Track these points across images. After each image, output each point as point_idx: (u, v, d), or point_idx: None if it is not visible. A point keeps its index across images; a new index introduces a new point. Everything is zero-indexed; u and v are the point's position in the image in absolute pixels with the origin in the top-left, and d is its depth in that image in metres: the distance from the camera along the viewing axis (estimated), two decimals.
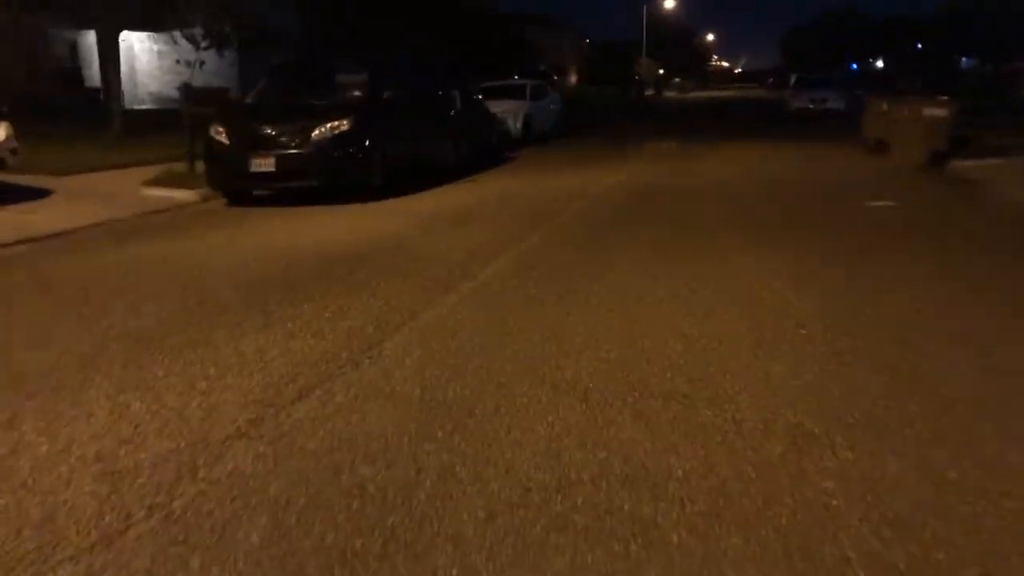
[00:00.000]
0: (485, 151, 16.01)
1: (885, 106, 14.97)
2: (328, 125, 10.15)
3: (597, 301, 5.25)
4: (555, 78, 49.28)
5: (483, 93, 19.17)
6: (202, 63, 20.92)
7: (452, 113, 13.87)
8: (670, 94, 65.01)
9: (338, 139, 10.25)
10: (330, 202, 9.86)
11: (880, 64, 75.30)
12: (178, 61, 26.26)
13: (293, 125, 10.24)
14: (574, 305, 5.17)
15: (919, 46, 56.09)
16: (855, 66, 68.96)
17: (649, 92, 60.46)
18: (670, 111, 37.38)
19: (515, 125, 18.59)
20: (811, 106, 26.82)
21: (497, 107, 18.40)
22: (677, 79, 75.79)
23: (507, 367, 4.02)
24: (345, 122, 10.28)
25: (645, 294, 5.42)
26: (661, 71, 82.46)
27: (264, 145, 10.13)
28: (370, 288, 5.68)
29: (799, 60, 69.14)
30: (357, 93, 11.24)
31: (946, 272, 5.98)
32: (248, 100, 12.28)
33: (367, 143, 10.52)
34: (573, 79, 65.86)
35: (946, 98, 13.87)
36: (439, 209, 9.55)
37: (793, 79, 30.56)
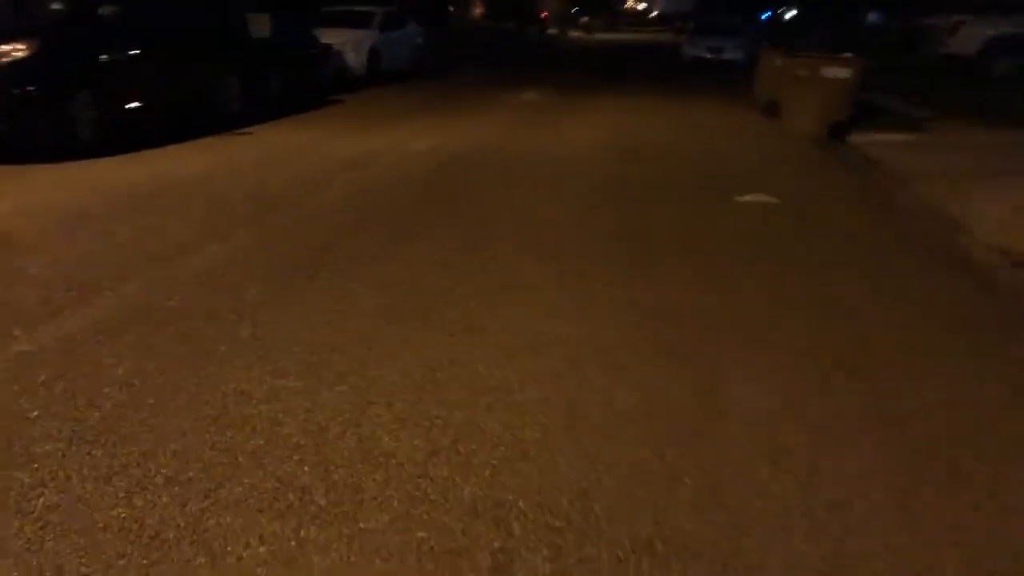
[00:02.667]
0: (308, 90, 12.98)
1: (779, 61, 12.53)
2: None
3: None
4: (450, 8, 45.58)
5: (321, 20, 15.95)
6: None
7: (241, 42, 10.65)
8: (575, 34, 61.78)
9: (14, 73, 7.09)
10: None
11: (791, 15, 73.85)
12: None
13: None
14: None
15: None
16: (767, 15, 67.02)
17: (552, 31, 57.13)
18: (566, 53, 34.41)
19: (357, 60, 15.43)
20: (708, 55, 24.33)
21: (335, 37, 15.28)
22: (585, 18, 72.49)
23: None
24: (23, 47, 7.09)
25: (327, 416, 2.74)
26: (574, 9, 78.99)
27: None
28: None
29: (710, 7, 66.81)
30: (56, 6, 7.98)
31: (822, 347, 3.49)
32: None
33: (63, 80, 7.39)
34: (478, 11, 61.95)
35: (850, 55, 11.49)
36: (146, 181, 6.72)
37: (691, 25, 27.82)
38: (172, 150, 8.05)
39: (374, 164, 7.60)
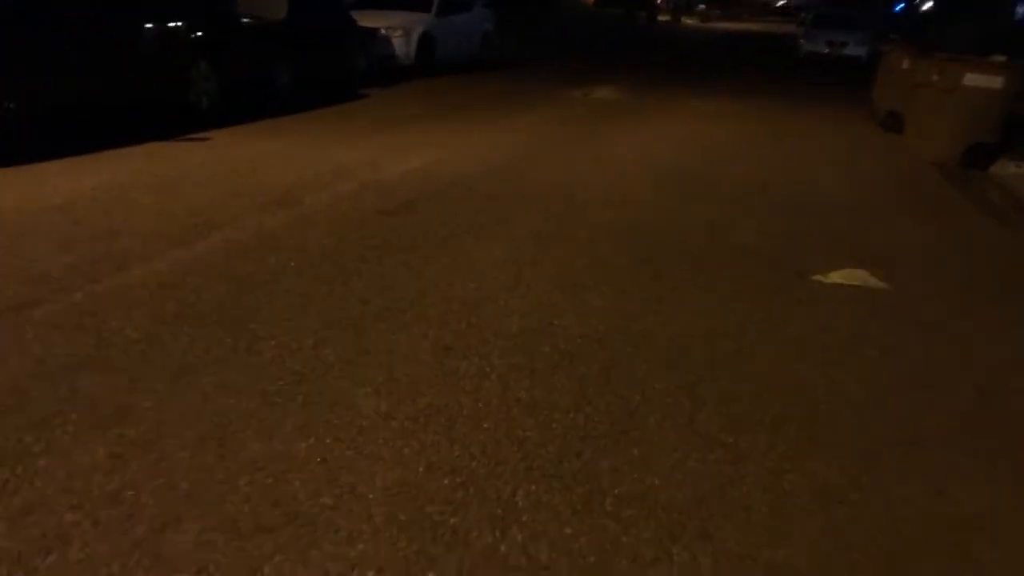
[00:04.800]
0: (335, 83, 11.18)
1: (906, 63, 9.85)
2: None
3: None
4: None
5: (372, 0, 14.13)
6: None
7: (221, 24, 8.82)
8: (689, 22, 58.34)
9: None
10: None
11: (928, 5, 67.98)
12: None
13: None
14: None
15: None
16: (901, 6, 61.61)
17: (664, 18, 53.94)
18: (671, 43, 31.63)
19: (405, 47, 13.47)
20: (826, 50, 21.30)
21: (383, 21, 13.37)
22: (702, 5, 68.61)
23: None
24: None
25: None
26: None
27: None
28: None
29: None
30: None
31: None
32: None
33: None
34: None
35: (1002, 59, 8.76)
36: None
37: (810, 16, 24.54)
38: (71, 163, 6.26)
39: (314, 198, 5.59)
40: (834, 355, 3.52)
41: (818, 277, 4.57)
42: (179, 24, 7.97)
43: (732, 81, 16.47)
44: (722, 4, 78.44)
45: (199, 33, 8.27)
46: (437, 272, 4.25)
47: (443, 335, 3.48)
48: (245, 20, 9.70)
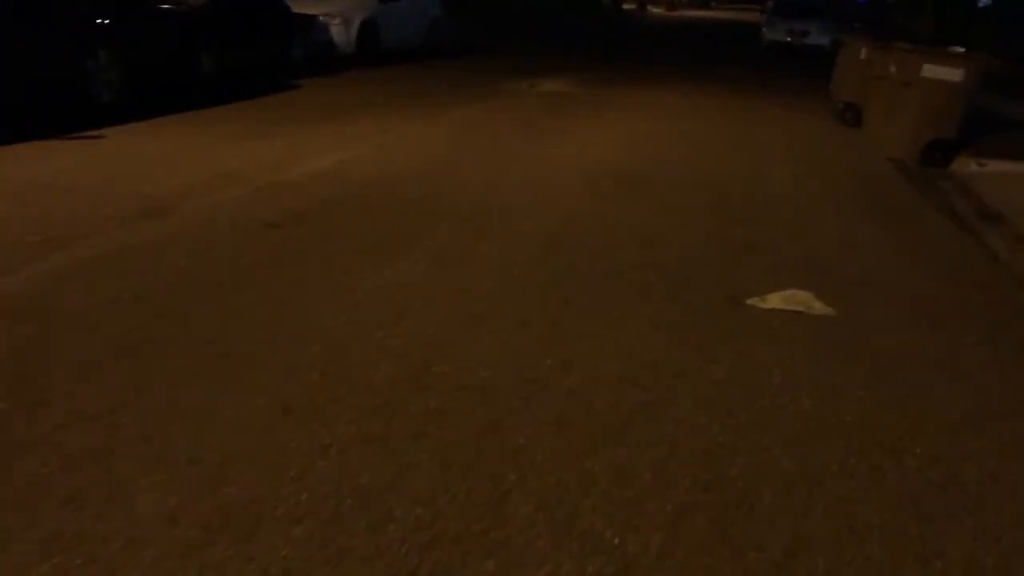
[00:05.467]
0: (267, 71, 10.45)
1: (864, 54, 9.32)
2: None
3: None
4: None
5: None
6: None
7: (127, 8, 8.03)
8: (656, 10, 57.80)
9: None
10: None
11: None
12: None
13: None
14: None
15: None
16: None
17: (629, 7, 53.37)
18: (634, 32, 31.03)
19: (345, 35, 12.72)
20: (788, 39, 20.81)
21: (322, 7, 12.60)
22: None
23: None
24: None
25: None
26: None
27: None
28: None
29: None
30: None
31: None
32: None
33: None
34: None
35: (962, 50, 8.25)
36: None
37: (771, 3, 24.03)
38: None
39: (191, 207, 4.89)
40: (761, 410, 2.92)
41: (754, 301, 3.97)
42: (72, 7, 7.17)
43: (692, 71, 15.91)
44: None
45: (101, 19, 7.47)
46: (306, 302, 3.60)
47: (287, 390, 2.82)
48: (166, 5, 8.96)
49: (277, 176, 5.75)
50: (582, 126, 8.79)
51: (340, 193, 5.46)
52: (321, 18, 12.55)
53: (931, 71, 7.85)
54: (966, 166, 7.52)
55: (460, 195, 5.61)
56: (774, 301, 4.02)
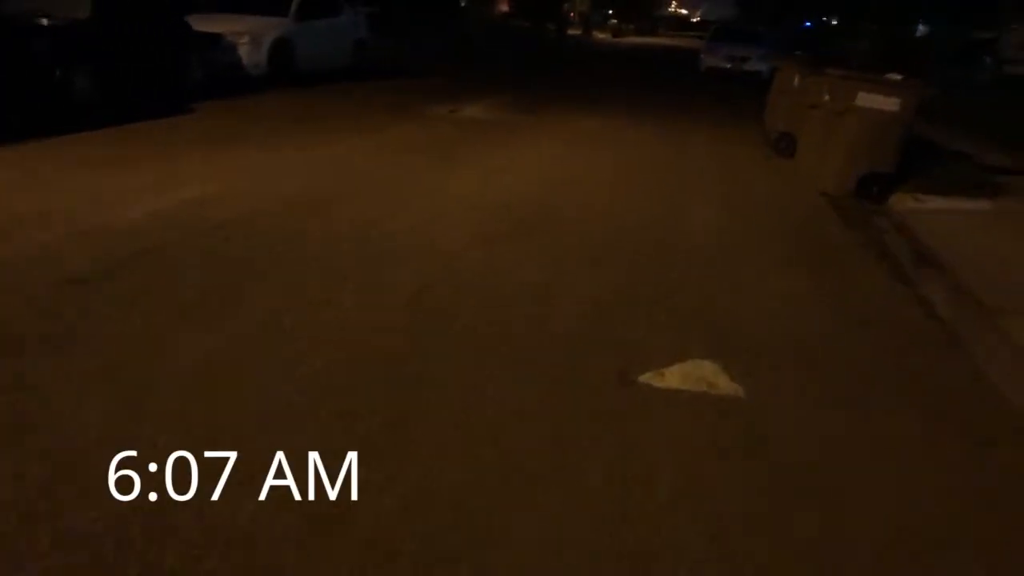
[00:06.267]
0: (160, 95, 9.60)
1: (797, 80, 8.78)
2: None
3: None
4: (461, 2, 41.96)
5: (222, 2, 12.51)
6: None
7: None
8: (601, 36, 57.92)
9: None
10: None
11: (835, 22, 68.89)
12: None
13: None
14: None
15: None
16: (809, 23, 62.19)
17: (575, 32, 53.34)
18: (577, 57, 30.62)
19: (254, 56, 11.85)
20: (727, 65, 20.49)
21: (228, 24, 11.74)
22: (613, 21, 68.56)
23: None
24: None
25: None
26: (610, 12, 75.05)
27: None
28: None
29: (751, 13, 62.20)
30: None
31: None
32: None
33: None
34: (503, 7, 58.50)
35: (899, 78, 7.74)
36: None
37: (711, 30, 23.75)
38: None
39: None
40: (637, 541, 2.17)
41: (648, 378, 3.25)
42: None
43: (629, 97, 15.38)
44: (636, 19, 78.65)
45: None
46: (80, 402, 2.77)
47: None
48: (42, 19, 8.10)
49: (108, 216, 4.91)
50: (496, 156, 8.08)
51: (180, 236, 4.64)
52: (228, 36, 11.68)
53: (866, 100, 7.32)
54: (903, 202, 6.97)
55: (330, 239, 4.84)
56: (671, 378, 3.30)
